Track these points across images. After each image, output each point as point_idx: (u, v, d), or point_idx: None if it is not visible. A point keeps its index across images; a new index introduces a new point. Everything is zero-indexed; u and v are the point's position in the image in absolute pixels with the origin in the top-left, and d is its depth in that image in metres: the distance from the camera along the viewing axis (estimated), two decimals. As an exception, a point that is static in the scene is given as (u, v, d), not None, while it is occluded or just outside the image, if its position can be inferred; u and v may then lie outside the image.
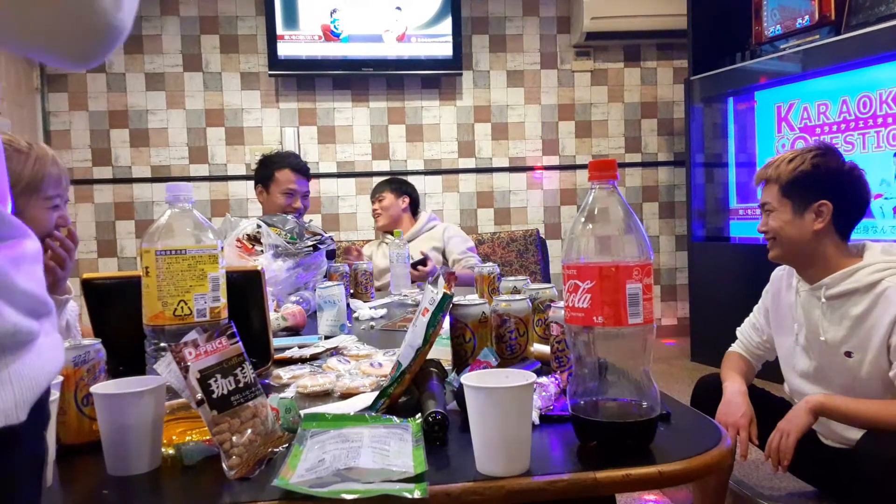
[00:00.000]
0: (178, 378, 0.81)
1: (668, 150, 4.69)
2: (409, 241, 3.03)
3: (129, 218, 4.25)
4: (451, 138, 4.51)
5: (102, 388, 0.82)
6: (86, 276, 1.18)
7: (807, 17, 3.37)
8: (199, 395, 0.80)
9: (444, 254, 3.12)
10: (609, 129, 4.64)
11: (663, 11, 4.32)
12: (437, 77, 4.42)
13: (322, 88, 4.38)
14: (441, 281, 2.06)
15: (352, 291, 2.40)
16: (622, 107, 4.65)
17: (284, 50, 4.16)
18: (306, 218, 2.94)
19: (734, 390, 1.68)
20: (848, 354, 1.57)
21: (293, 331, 1.79)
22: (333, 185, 4.41)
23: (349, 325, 1.80)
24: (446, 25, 4.28)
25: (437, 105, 4.50)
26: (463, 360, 1.14)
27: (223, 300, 0.94)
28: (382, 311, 2.07)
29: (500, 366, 1.10)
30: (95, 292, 1.16)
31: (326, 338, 1.64)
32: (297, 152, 4.20)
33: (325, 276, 2.24)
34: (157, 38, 4.23)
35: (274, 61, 4.16)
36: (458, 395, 0.95)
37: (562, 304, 0.95)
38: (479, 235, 3.86)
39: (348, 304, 2.02)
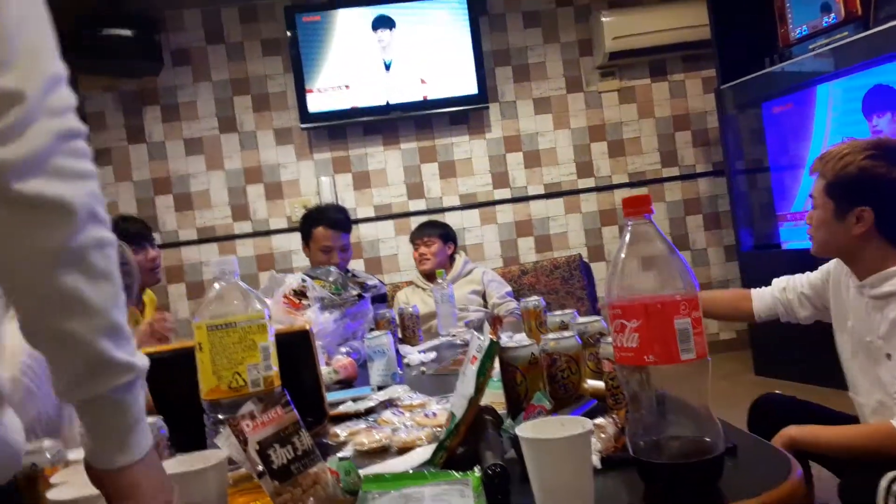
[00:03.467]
0: (238, 451, 0.82)
1: (705, 161, 4.63)
2: None
3: (180, 281, 4.37)
4: (483, 171, 4.53)
5: (167, 467, 0.84)
6: (143, 350, 1.20)
7: (833, 15, 3.31)
8: (260, 467, 0.81)
9: (483, 296, 3.15)
10: (643, 146, 4.61)
11: (685, 24, 4.30)
12: (465, 112, 4.46)
13: (353, 136, 4.47)
14: (486, 327, 2.05)
15: (400, 336, 2.41)
16: (653, 122, 4.62)
17: (314, 103, 4.27)
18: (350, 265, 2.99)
19: None
20: (889, 357, 1.49)
21: (346, 383, 1.80)
22: (373, 229, 4.46)
23: (401, 372, 1.80)
24: (469, 61, 4.34)
25: (467, 140, 4.53)
26: (517, 404, 1.13)
27: (275, 368, 0.96)
28: (432, 355, 2.07)
29: (555, 406, 1.09)
30: (153, 366, 1.19)
31: (379, 388, 1.65)
32: (335, 200, 4.28)
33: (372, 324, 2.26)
34: (192, 104, 4.39)
35: (305, 115, 4.27)
36: (516, 442, 0.94)
37: (611, 339, 0.93)
38: (521, 265, 3.84)
39: (397, 351, 2.02)
